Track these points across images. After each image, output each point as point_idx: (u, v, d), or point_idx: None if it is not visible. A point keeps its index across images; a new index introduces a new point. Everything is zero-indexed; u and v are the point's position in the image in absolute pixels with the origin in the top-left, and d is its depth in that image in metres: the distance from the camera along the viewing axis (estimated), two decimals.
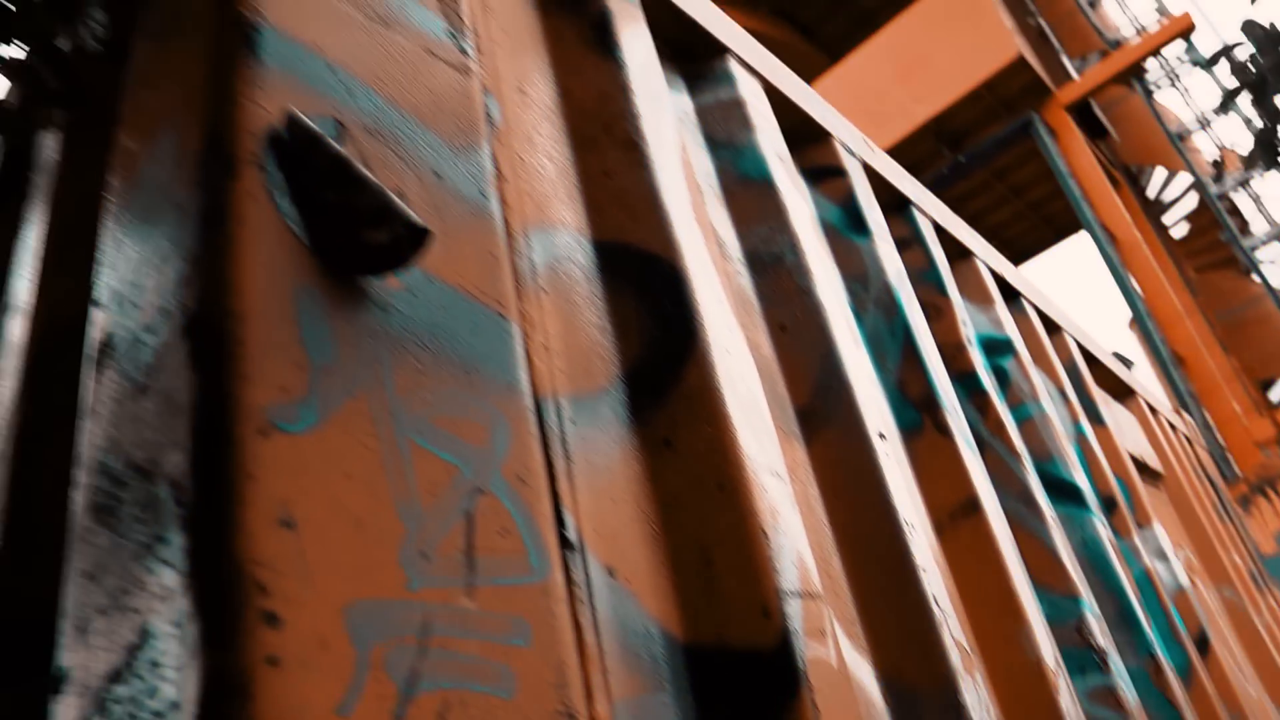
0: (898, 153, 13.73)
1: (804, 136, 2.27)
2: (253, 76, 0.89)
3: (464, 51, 1.19)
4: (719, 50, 2.02)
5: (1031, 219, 16.00)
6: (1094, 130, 14.34)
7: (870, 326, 2.04)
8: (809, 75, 15.10)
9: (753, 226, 1.79)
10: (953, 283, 2.60)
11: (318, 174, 0.84)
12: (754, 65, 2.10)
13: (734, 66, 2.01)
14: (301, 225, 0.85)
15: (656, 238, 1.34)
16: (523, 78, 1.45)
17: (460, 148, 1.08)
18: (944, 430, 1.94)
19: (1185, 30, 12.54)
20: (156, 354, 0.82)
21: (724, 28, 2.07)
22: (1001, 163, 14.63)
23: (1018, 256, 16.92)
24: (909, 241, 2.56)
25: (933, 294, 2.50)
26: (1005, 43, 12.71)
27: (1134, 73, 13.53)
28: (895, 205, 2.59)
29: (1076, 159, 13.38)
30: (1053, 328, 3.54)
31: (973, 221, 15.58)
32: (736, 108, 1.93)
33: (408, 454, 0.81)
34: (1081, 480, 2.70)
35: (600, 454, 1.13)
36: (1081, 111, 13.77)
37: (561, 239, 1.29)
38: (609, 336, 1.26)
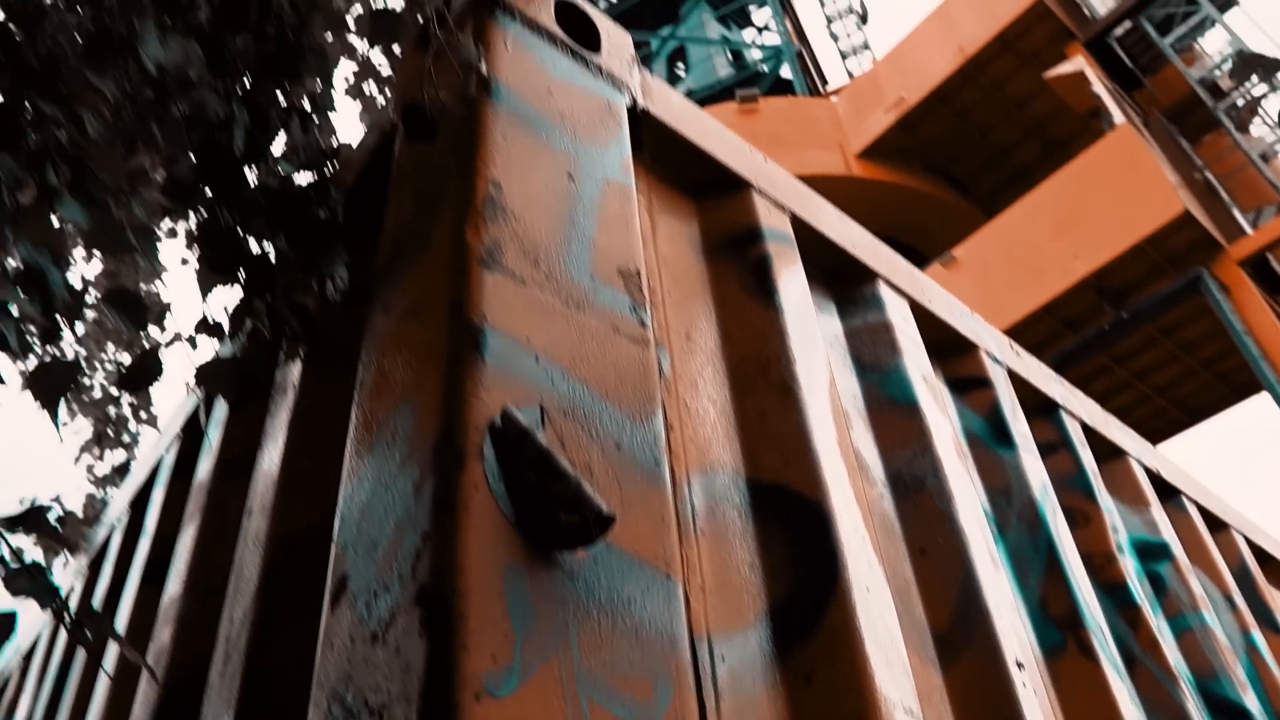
0: (1055, 308, 13.51)
1: (950, 348, 2.38)
2: (479, 376, 1.10)
3: (643, 324, 1.39)
4: (869, 275, 2.18)
5: (1204, 377, 15.24)
6: (1272, 285, 13.70)
7: (1012, 542, 2.09)
8: (963, 231, 15.18)
9: (896, 449, 1.90)
10: (1102, 487, 2.61)
11: (526, 463, 1.03)
12: (901, 287, 2.25)
13: (883, 290, 2.17)
14: (509, 505, 1.04)
15: (806, 479, 1.48)
16: (690, 324, 1.64)
17: (639, 418, 1.26)
18: (1088, 652, 1.95)
19: None
20: (390, 611, 1.01)
21: (874, 253, 2.24)
22: (1169, 319, 14.10)
23: (1191, 415, 16.09)
24: (1056, 446, 2.60)
25: (1080, 500, 2.52)
26: (1169, 198, 12.47)
27: None
28: (1041, 409, 2.65)
29: (1253, 316, 12.78)
30: (1217, 525, 3.43)
31: (1138, 379, 15.01)
32: (884, 331, 2.08)
33: (586, 711, 0.96)
34: (1252, 700, 2.59)
35: (746, 690, 1.25)
36: (1258, 266, 13.20)
37: (719, 481, 1.45)
38: (758, 574, 1.39)
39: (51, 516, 1.39)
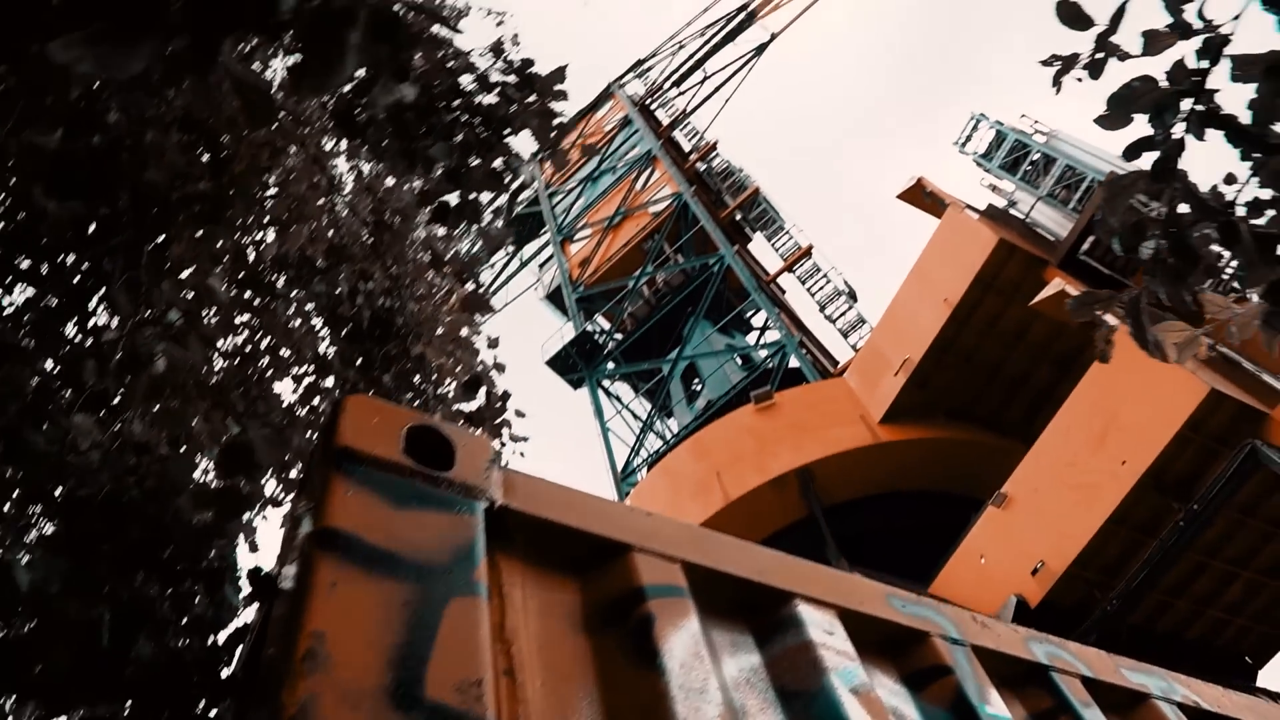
0: (1123, 518, 12.99)
1: (897, 644, 2.32)
2: None
3: None
4: (784, 597, 2.18)
5: None
6: None
7: None
8: (1008, 467, 14.96)
9: None
10: None
11: None
12: (824, 598, 2.23)
13: (801, 608, 2.15)
14: None
15: None
16: (566, 710, 1.64)
17: None
18: None
19: None
20: None
21: (787, 573, 2.25)
22: (1244, 498, 13.47)
23: None
24: (1054, 713, 2.45)
25: None
26: (1191, 384, 12.38)
27: None
28: (1027, 677, 2.52)
29: None
30: None
31: (1240, 566, 14.10)
32: (805, 652, 2.04)
33: None
34: None
35: None
36: None
37: None
38: None
39: None
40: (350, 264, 3.44)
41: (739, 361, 23.99)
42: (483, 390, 3.58)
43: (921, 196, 19.05)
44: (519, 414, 3.77)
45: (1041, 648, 2.64)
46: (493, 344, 4.00)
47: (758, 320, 26.70)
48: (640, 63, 36.47)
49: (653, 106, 34.06)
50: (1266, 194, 2.24)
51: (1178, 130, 2.42)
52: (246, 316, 4.20)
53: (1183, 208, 2.42)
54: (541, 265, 32.51)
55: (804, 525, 17.51)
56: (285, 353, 4.08)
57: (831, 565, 16.27)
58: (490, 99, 2.56)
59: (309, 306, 3.91)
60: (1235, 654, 15.54)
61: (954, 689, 2.22)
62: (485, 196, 2.99)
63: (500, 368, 3.76)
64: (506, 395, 3.64)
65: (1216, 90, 2.21)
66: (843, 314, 24.50)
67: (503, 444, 3.80)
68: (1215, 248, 2.35)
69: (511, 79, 2.66)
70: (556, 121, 2.69)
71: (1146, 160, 2.40)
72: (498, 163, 2.59)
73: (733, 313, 23.90)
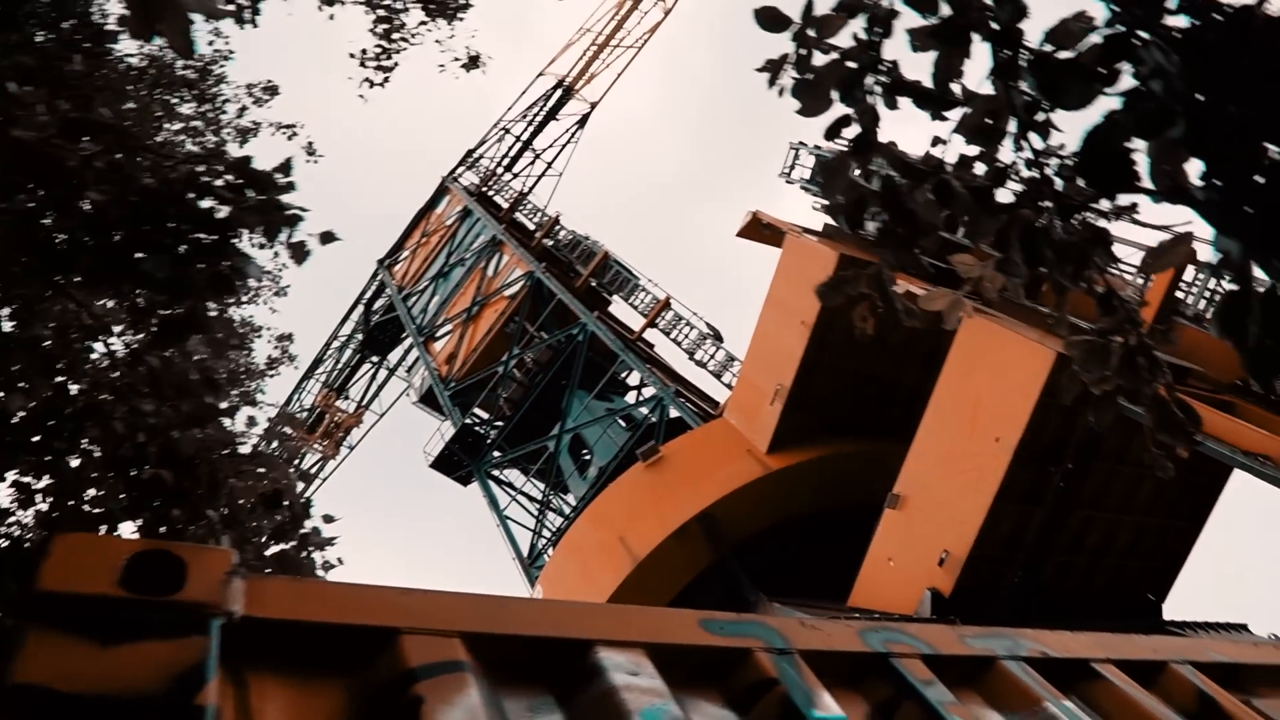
0: (1007, 492, 13.33)
1: (718, 666, 2.23)
2: None
3: None
4: (583, 647, 2.07)
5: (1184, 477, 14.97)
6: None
7: None
8: (896, 468, 15.22)
9: None
10: (967, 717, 2.38)
11: None
12: (629, 638, 2.13)
13: (602, 654, 2.04)
14: None
15: None
16: None
17: None
18: None
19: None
20: None
21: (583, 620, 2.14)
22: (1110, 446, 14.04)
23: (1192, 521, 15.63)
24: (897, 701, 2.40)
25: None
26: (1036, 353, 12.91)
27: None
28: (867, 669, 2.46)
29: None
30: (1152, 670, 3.14)
31: (1124, 513, 14.66)
32: (608, 699, 1.93)
33: None
34: None
35: None
36: None
37: None
38: None
39: None
40: (123, 402, 3.23)
41: (622, 424, 23.96)
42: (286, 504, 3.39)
43: (760, 229, 19.58)
44: (327, 519, 3.57)
45: (877, 636, 2.59)
46: (293, 461, 3.80)
47: (633, 379, 26.80)
48: (470, 153, 36.68)
49: (491, 194, 34.23)
50: (973, 150, 2.30)
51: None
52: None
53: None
54: (409, 370, 31.99)
55: (717, 569, 17.43)
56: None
57: (750, 603, 16.18)
58: (208, 203, 2.44)
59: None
60: (1139, 595, 16.10)
61: (780, 700, 2.14)
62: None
63: (307, 476, 3.56)
64: (308, 503, 3.45)
65: (895, 61, 2.28)
66: (712, 356, 24.79)
67: (307, 553, 3.59)
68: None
69: (232, 178, 2.54)
70: (290, 214, 2.58)
71: None
72: (224, 266, 2.45)
73: (605, 376, 23.92)
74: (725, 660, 2.25)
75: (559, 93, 36.22)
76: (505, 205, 33.02)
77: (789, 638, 2.38)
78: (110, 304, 3.94)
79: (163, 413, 3.41)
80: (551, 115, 36.28)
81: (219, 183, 2.68)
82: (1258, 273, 1.85)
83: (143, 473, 3.09)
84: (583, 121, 36.24)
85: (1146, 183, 1.82)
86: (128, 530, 3.53)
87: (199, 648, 1.65)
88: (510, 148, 36.26)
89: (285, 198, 2.67)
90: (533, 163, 36.20)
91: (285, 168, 2.71)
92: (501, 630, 2.01)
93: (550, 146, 36.29)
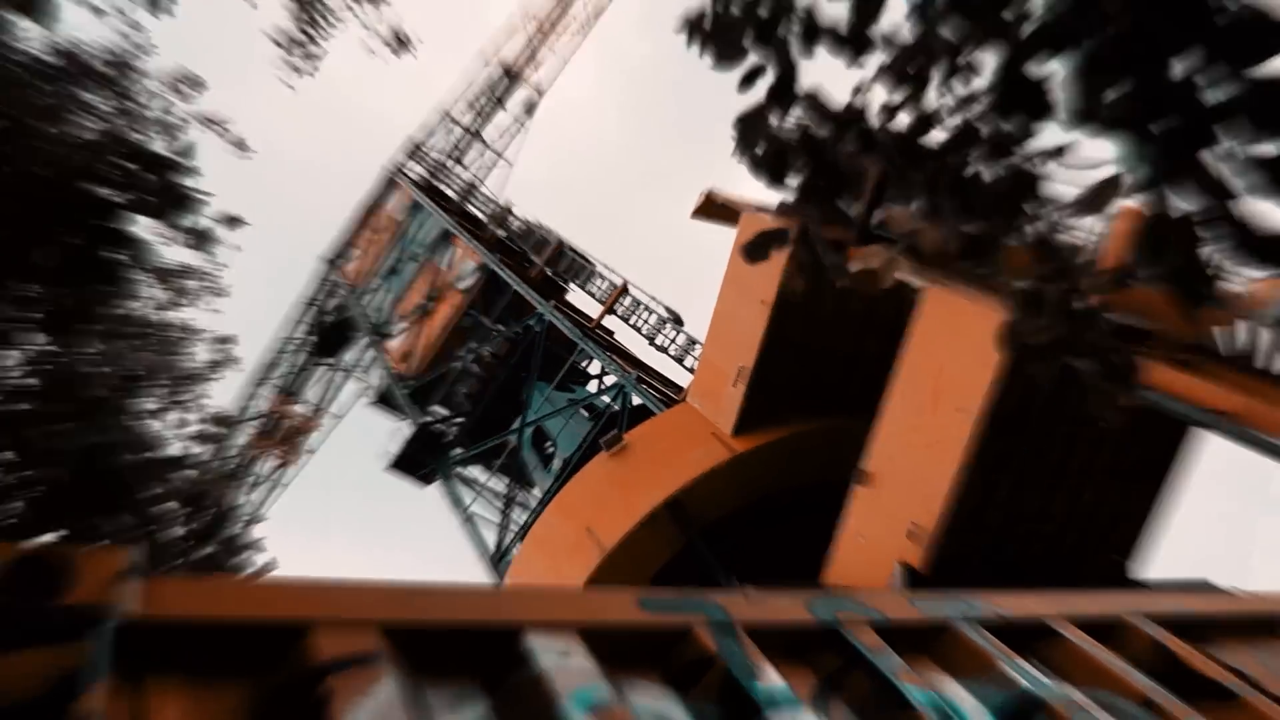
0: (972, 462, 13.38)
1: (657, 645, 2.14)
2: None
3: None
4: (511, 631, 1.97)
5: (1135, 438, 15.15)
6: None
7: None
8: (864, 443, 15.25)
9: None
10: (919, 683, 2.31)
11: None
12: (559, 619, 2.04)
13: (531, 639, 1.95)
14: None
15: None
16: None
17: None
18: None
19: None
20: None
21: (513, 604, 2.04)
22: (1071, 410, 14.17)
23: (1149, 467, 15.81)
24: (846, 671, 2.32)
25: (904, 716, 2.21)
26: (989, 317, 12.95)
27: None
28: (815, 641, 2.39)
29: None
30: (1107, 626, 3.10)
31: (1088, 476, 14.81)
32: (535, 686, 1.83)
33: None
34: None
35: None
36: None
37: None
38: None
39: None
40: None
41: (585, 414, 23.83)
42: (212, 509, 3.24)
43: (715, 208, 19.47)
44: (251, 520, 3.43)
45: (826, 606, 2.52)
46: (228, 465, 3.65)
47: (594, 368, 26.67)
48: (418, 146, 36.23)
49: (440, 186, 33.84)
50: (897, 98, 2.22)
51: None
52: None
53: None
54: (367, 370, 31.53)
55: (687, 555, 17.35)
56: None
57: (723, 587, 16.21)
58: (104, 191, 2.30)
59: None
60: (1105, 557, 16.27)
61: (721, 675, 2.06)
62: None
63: (234, 476, 3.42)
64: (232, 508, 3.30)
65: (813, 4, 2.18)
66: (673, 340, 24.71)
67: (236, 556, 3.45)
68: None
69: (130, 165, 2.40)
70: (189, 198, 2.45)
71: None
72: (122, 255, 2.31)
73: (565, 366, 23.76)
74: (665, 639, 2.16)
75: (506, 82, 35.88)
76: (456, 197, 32.67)
77: (731, 613, 2.30)
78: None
79: (62, 414, 3.25)
80: (499, 104, 35.93)
81: (116, 171, 2.54)
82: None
83: (43, 476, 2.93)
84: (530, 109, 35.93)
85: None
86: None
87: (80, 653, 1.53)
88: (459, 139, 35.88)
89: (190, 182, 2.54)
90: (482, 154, 35.85)
91: (187, 151, 2.57)
92: (424, 618, 1.91)
93: (501, 137, 35.96)
